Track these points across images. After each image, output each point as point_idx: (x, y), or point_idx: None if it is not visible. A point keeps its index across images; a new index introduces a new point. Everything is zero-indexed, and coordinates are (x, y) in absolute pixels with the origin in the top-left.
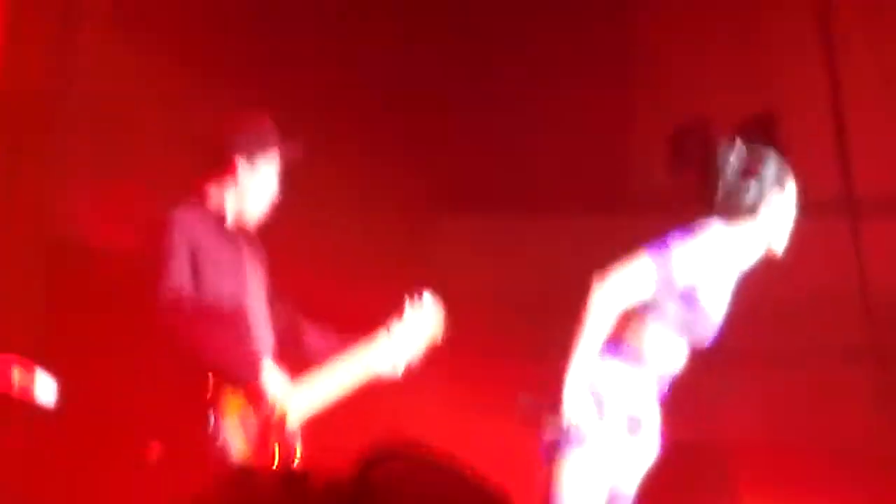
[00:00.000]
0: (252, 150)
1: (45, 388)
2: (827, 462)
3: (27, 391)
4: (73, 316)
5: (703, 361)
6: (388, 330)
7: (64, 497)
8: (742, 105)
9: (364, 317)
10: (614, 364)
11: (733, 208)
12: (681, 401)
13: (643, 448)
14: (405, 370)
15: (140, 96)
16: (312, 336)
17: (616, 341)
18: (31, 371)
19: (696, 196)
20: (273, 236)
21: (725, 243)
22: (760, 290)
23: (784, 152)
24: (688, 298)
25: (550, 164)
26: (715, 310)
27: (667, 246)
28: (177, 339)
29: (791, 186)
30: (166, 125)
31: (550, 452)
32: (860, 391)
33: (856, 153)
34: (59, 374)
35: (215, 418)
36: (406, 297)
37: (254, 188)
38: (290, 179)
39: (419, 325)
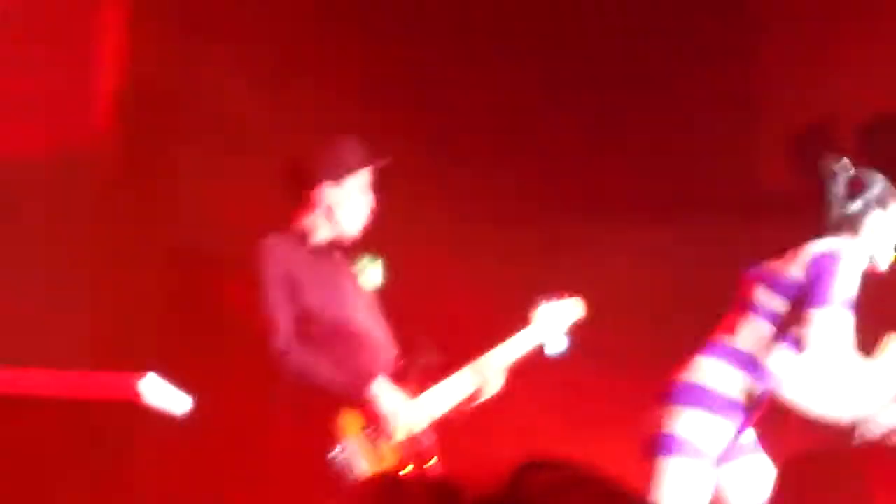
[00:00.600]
0: (337, 173)
1: (172, 398)
2: None
3: (154, 401)
4: (199, 326)
5: None
6: (516, 336)
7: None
8: (869, 102)
9: (495, 325)
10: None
11: (838, 224)
12: None
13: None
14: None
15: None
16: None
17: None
18: (159, 383)
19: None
20: (403, 249)
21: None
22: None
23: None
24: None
25: (681, 168)
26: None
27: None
28: (288, 373)
29: (895, 207)
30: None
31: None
32: None
33: None
34: (185, 385)
35: (338, 438)
36: (540, 300)
37: (345, 208)
38: (413, 189)
39: (550, 325)
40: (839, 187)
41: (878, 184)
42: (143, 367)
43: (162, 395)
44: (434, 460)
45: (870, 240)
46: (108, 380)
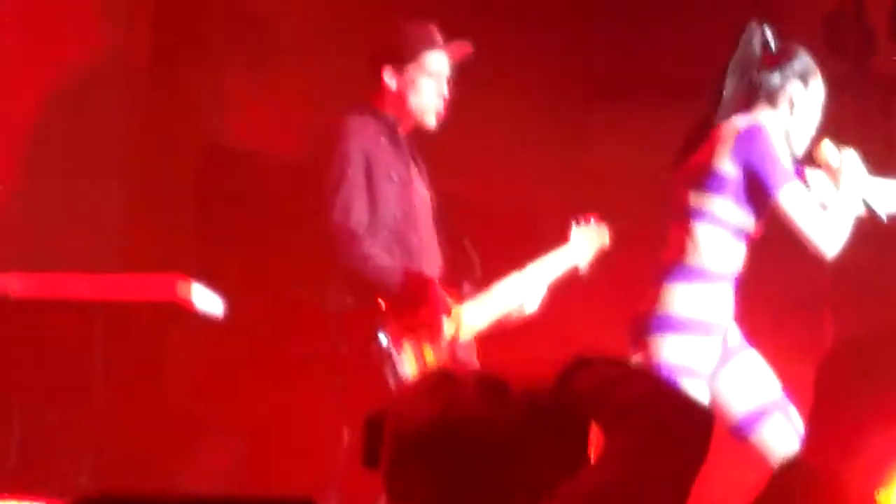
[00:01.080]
0: (403, 57)
1: (208, 301)
2: None
3: (191, 304)
4: (235, 234)
5: None
6: (554, 253)
7: (231, 400)
8: None
9: (529, 222)
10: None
11: (752, 96)
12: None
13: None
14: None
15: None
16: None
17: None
18: (194, 285)
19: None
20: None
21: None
22: None
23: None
24: None
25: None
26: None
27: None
28: (346, 258)
29: (817, 86)
30: (319, 30)
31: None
32: None
33: None
34: (222, 286)
35: (386, 339)
36: (573, 221)
37: (411, 95)
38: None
39: (583, 247)
40: (754, 51)
41: (801, 57)
42: (177, 269)
43: (196, 296)
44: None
45: (788, 115)
46: (143, 282)
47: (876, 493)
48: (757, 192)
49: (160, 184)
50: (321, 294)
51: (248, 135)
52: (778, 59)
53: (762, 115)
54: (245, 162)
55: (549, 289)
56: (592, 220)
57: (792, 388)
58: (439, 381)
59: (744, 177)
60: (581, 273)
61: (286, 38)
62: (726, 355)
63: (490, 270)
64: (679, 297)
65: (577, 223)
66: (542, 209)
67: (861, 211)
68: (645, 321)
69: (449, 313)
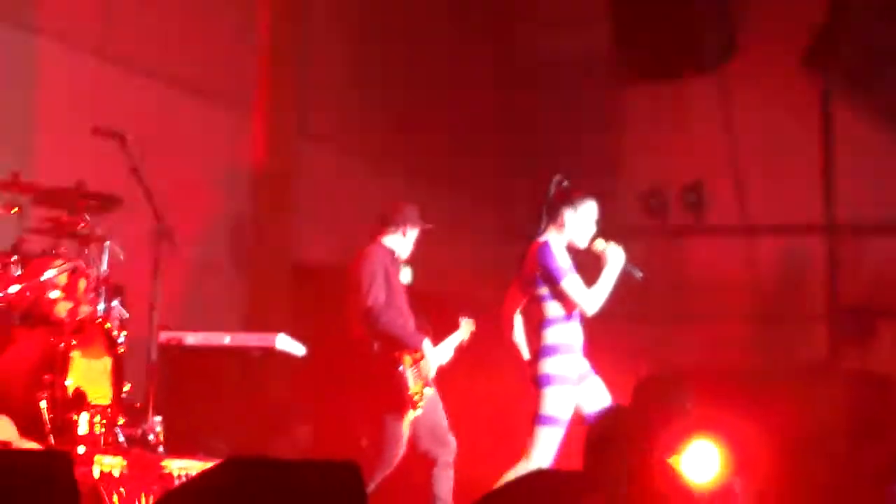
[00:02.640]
0: (405, 222)
1: (296, 348)
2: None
3: (285, 349)
4: (310, 305)
5: None
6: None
7: (307, 408)
8: None
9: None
10: None
11: (549, 222)
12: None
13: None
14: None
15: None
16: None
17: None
18: (286, 337)
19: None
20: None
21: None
22: None
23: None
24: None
25: None
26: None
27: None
28: (383, 322)
29: (586, 208)
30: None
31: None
32: None
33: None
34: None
35: (402, 368)
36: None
37: (408, 242)
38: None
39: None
40: (551, 194)
41: (575, 193)
42: (278, 329)
43: (289, 345)
44: (432, 389)
45: (566, 229)
46: (260, 336)
47: (671, 458)
48: (552, 280)
49: (268, 277)
50: (359, 344)
51: (320, 251)
52: (560, 196)
53: (549, 234)
54: (318, 267)
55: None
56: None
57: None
58: None
59: (543, 272)
60: (463, 343)
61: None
62: (583, 376)
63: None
64: (555, 334)
65: (466, 318)
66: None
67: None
68: (536, 353)
69: (432, 355)
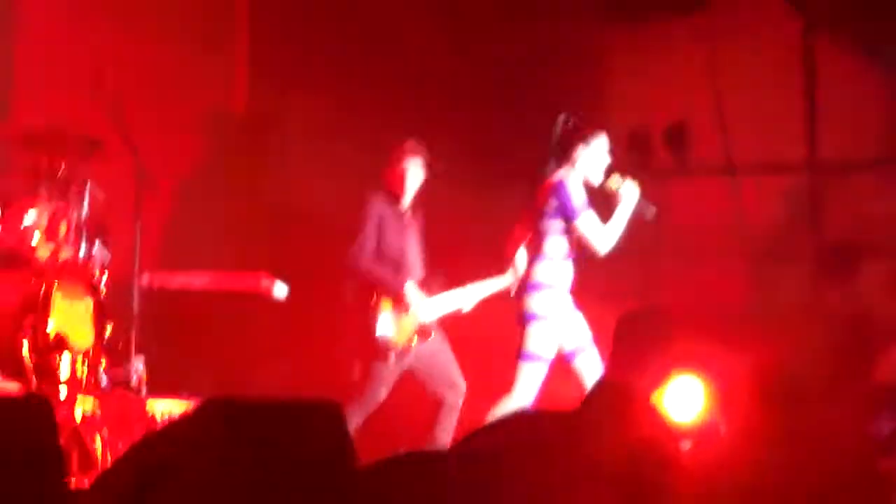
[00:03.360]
0: (411, 157)
1: (279, 289)
2: None
3: (269, 292)
4: (295, 249)
5: None
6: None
7: (288, 344)
8: None
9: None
10: None
11: (561, 160)
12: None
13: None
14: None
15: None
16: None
17: None
18: (271, 280)
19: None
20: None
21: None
22: None
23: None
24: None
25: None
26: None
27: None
28: (360, 268)
29: (598, 143)
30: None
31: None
32: None
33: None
34: (287, 283)
35: (378, 313)
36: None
37: (412, 179)
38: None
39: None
40: (558, 133)
41: (587, 129)
42: (261, 270)
43: (272, 286)
44: (433, 335)
45: (578, 167)
46: (241, 277)
47: (653, 397)
48: (566, 215)
49: (251, 219)
50: (345, 287)
51: (303, 194)
52: (569, 134)
53: (563, 172)
54: (300, 211)
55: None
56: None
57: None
58: None
59: (559, 207)
60: (511, 294)
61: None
62: (567, 313)
63: (449, 283)
64: (544, 271)
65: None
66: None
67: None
68: (522, 288)
69: (417, 301)
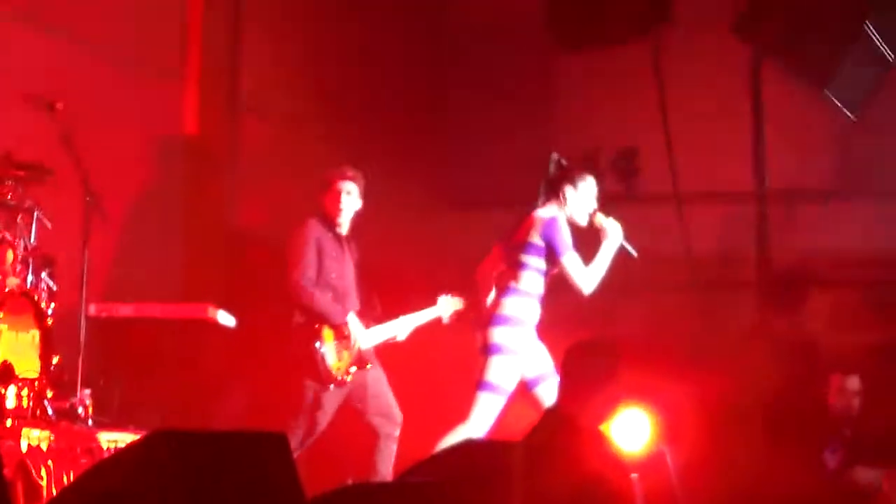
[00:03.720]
0: (345, 182)
1: (227, 319)
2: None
3: (216, 321)
4: (246, 275)
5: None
6: (423, 310)
7: (239, 375)
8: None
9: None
10: None
11: (549, 197)
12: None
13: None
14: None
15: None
16: (375, 306)
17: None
18: (217, 309)
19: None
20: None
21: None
22: None
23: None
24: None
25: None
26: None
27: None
28: (303, 295)
29: (585, 185)
30: (295, 161)
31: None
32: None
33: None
34: (235, 311)
35: (320, 343)
36: (439, 294)
37: (347, 205)
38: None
39: (446, 307)
40: (551, 172)
41: (574, 171)
42: (209, 299)
43: (219, 315)
44: (370, 366)
45: (565, 206)
46: (189, 307)
47: (601, 426)
48: (551, 254)
49: (202, 248)
50: (288, 315)
51: (254, 220)
52: (560, 175)
53: (553, 209)
54: (252, 237)
55: (415, 329)
56: (451, 294)
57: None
58: None
59: (546, 245)
60: (444, 322)
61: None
62: (529, 347)
63: (384, 311)
64: (513, 306)
65: (444, 294)
66: (418, 284)
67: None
68: (489, 319)
69: (358, 332)
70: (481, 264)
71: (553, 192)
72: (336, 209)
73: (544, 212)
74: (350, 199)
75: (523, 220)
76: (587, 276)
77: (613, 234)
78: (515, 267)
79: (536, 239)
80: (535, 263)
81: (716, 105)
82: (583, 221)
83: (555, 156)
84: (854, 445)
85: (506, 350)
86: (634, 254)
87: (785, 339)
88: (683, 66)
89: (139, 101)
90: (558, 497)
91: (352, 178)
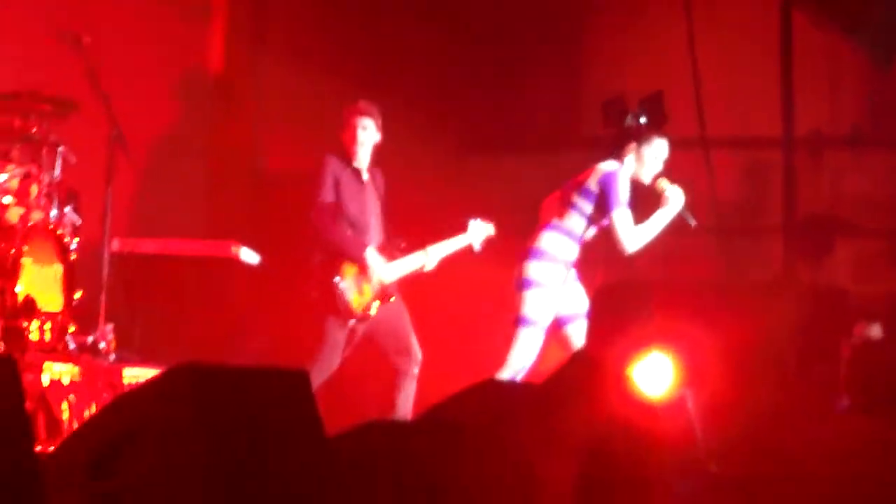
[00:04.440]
0: (361, 117)
1: (251, 256)
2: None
3: (238, 258)
4: (271, 214)
5: None
6: (452, 239)
7: (260, 310)
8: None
9: (427, 221)
10: None
11: (614, 153)
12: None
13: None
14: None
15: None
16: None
17: None
18: (240, 247)
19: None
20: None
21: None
22: None
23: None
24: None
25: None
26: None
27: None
28: (321, 231)
29: (658, 144)
30: (320, 102)
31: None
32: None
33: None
34: (260, 249)
35: (339, 278)
36: (468, 220)
37: (364, 140)
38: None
39: (477, 233)
40: (627, 124)
41: (649, 130)
42: (237, 237)
43: (244, 254)
44: (393, 299)
45: (631, 163)
46: (213, 244)
47: (626, 369)
48: (603, 204)
49: (227, 185)
50: (310, 251)
51: (278, 158)
52: (631, 130)
53: (613, 164)
54: (277, 175)
55: (444, 259)
56: (482, 218)
57: None
58: None
59: (599, 194)
60: (475, 249)
61: (303, 108)
62: (565, 283)
63: (410, 245)
64: (550, 241)
65: (474, 219)
66: (442, 216)
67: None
68: (525, 252)
69: (378, 266)
70: (545, 201)
71: (622, 146)
72: (353, 144)
73: (607, 164)
74: (367, 133)
75: (586, 168)
76: (634, 236)
77: (674, 201)
78: (565, 205)
79: (593, 185)
80: (583, 207)
81: (745, 50)
82: (647, 181)
83: (636, 111)
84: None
85: (538, 284)
86: (693, 223)
87: (810, 287)
88: (712, 11)
89: (165, 38)
90: (581, 439)
91: (367, 113)
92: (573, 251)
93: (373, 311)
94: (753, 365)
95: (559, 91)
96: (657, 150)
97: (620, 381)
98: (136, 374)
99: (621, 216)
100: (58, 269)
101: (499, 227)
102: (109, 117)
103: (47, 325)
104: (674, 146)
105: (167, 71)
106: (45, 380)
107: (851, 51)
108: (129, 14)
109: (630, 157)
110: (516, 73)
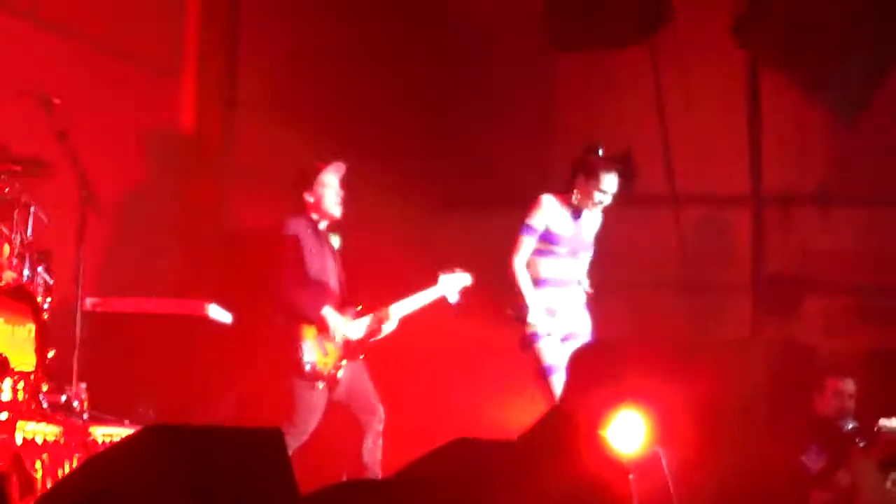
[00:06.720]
0: (323, 174)
1: (222, 315)
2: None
3: (211, 316)
4: (242, 272)
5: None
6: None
7: (229, 369)
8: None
9: (401, 280)
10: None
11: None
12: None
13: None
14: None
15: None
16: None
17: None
18: (212, 305)
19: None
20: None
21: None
22: None
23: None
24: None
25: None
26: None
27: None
28: (277, 292)
29: (599, 179)
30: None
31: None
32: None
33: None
34: (231, 308)
35: (301, 341)
36: (440, 271)
37: (329, 200)
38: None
39: (450, 286)
40: (582, 158)
41: (597, 163)
42: (208, 296)
43: (216, 313)
44: (360, 357)
45: (574, 191)
46: (184, 303)
47: (598, 428)
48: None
49: (198, 244)
50: (272, 314)
51: (249, 217)
52: (582, 162)
53: (552, 194)
54: (247, 234)
55: (416, 313)
56: (457, 269)
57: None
58: None
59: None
60: (451, 301)
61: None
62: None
63: (374, 303)
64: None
65: (444, 272)
66: (410, 273)
67: None
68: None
69: (339, 325)
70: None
71: (571, 176)
72: (318, 207)
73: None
74: (328, 191)
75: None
76: (519, 263)
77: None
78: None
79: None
80: (538, 246)
81: (713, 109)
82: (587, 209)
83: (596, 145)
84: (842, 448)
85: (542, 335)
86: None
87: (778, 343)
88: (680, 68)
89: (136, 98)
90: (555, 497)
91: (328, 170)
92: (563, 295)
93: (340, 374)
94: (724, 422)
95: (532, 151)
96: (600, 182)
97: (594, 438)
98: (109, 433)
99: (522, 239)
100: (31, 329)
101: (475, 282)
102: (80, 177)
103: (20, 385)
104: (643, 203)
105: (138, 129)
106: (19, 439)
107: (818, 109)
108: (99, 72)
109: (574, 185)
110: (493, 132)
